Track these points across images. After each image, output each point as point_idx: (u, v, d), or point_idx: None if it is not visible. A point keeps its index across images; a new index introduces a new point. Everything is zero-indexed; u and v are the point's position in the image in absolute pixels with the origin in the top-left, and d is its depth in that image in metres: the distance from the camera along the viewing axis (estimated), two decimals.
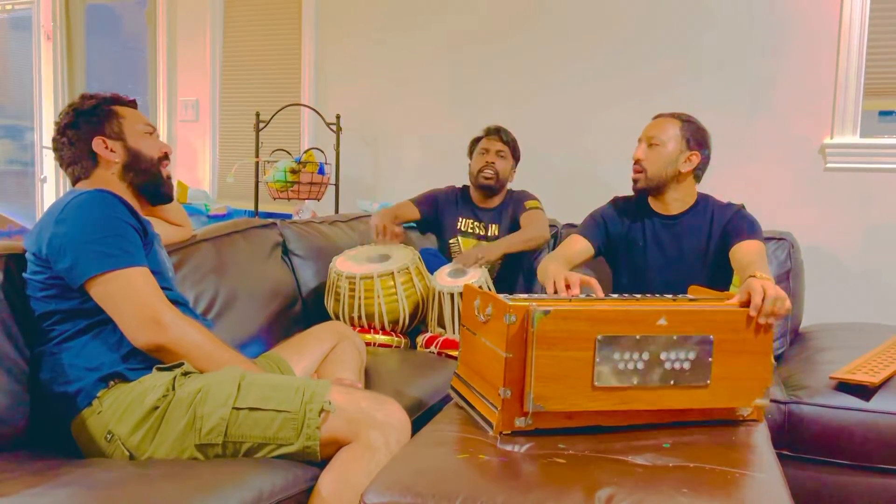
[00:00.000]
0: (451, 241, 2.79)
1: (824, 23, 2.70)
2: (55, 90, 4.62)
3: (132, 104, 1.77)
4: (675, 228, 2.15)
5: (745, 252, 1.96)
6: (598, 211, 2.27)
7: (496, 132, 2.77)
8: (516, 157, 2.81)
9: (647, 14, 2.98)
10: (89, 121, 1.67)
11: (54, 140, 1.70)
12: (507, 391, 1.38)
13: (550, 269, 1.84)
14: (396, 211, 2.76)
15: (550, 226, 2.80)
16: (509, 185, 2.82)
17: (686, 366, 1.42)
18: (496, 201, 2.78)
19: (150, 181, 1.73)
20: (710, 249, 2.11)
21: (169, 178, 1.78)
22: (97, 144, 1.67)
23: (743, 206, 2.13)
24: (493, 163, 2.71)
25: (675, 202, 2.16)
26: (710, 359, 1.43)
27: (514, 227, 2.69)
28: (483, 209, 2.78)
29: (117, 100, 1.74)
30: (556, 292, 1.72)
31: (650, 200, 2.20)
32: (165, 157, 1.76)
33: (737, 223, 2.06)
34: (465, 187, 2.85)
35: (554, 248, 2.78)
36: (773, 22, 2.78)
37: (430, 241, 2.90)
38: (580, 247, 2.17)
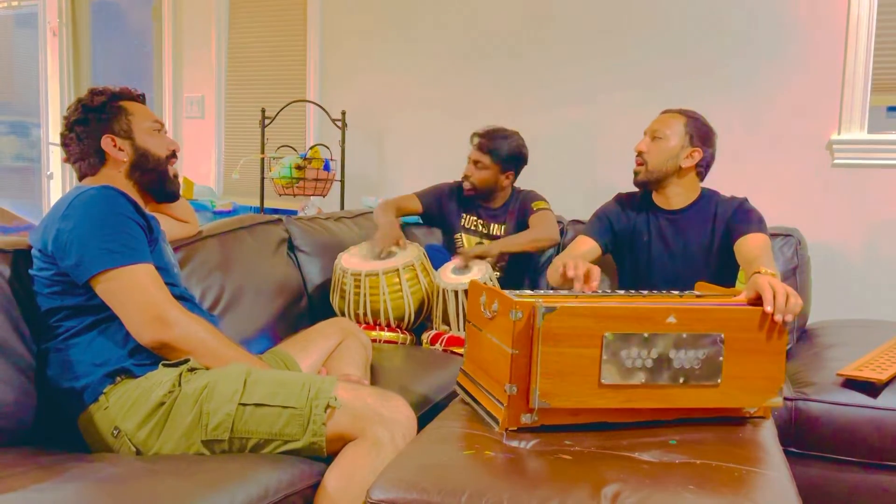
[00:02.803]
0: (455, 237, 2.78)
1: (832, 18, 2.69)
2: (61, 87, 4.63)
3: (141, 98, 1.77)
4: (679, 223, 2.15)
5: (750, 246, 1.95)
6: (602, 209, 2.27)
7: (477, 137, 2.67)
8: (504, 161, 2.65)
9: (653, 11, 2.97)
10: (98, 118, 1.67)
11: (62, 135, 1.70)
12: (512, 388, 1.38)
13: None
14: (399, 203, 2.76)
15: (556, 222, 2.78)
16: (516, 184, 2.79)
17: (696, 364, 1.41)
18: (500, 200, 2.75)
19: (157, 180, 1.73)
20: (714, 243, 2.11)
21: (175, 175, 1.77)
22: (106, 143, 1.67)
23: (746, 199, 2.13)
24: (468, 175, 2.68)
25: (676, 197, 2.16)
26: (721, 358, 1.42)
27: (521, 227, 2.66)
28: (486, 207, 2.76)
29: (126, 94, 1.74)
30: (567, 280, 1.71)
31: (653, 195, 2.20)
32: (173, 154, 1.75)
33: (740, 216, 2.07)
34: None
35: (559, 245, 2.79)
36: (781, 17, 2.76)
37: (436, 237, 2.90)
38: (588, 247, 2.17)
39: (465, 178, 2.69)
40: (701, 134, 2.12)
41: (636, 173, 2.16)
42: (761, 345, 1.44)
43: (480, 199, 2.75)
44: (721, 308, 1.45)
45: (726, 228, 2.08)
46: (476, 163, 2.66)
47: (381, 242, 2.48)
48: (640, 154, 2.14)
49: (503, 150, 2.64)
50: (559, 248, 2.74)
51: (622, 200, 2.27)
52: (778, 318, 1.42)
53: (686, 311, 1.40)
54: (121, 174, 1.69)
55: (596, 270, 1.73)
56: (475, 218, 2.76)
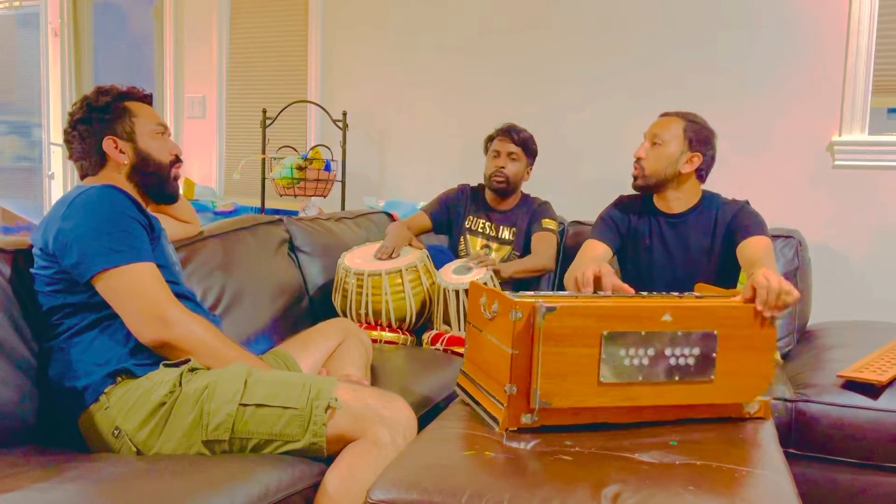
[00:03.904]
0: (460, 239, 2.78)
1: (833, 20, 2.69)
2: (63, 87, 4.63)
3: (148, 99, 1.76)
4: (680, 227, 2.15)
5: (752, 249, 1.96)
6: (606, 212, 2.26)
7: (507, 132, 2.71)
8: (531, 154, 2.75)
9: (656, 13, 2.97)
10: (101, 118, 1.67)
11: (66, 132, 1.70)
12: (513, 388, 1.38)
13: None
14: (410, 223, 2.73)
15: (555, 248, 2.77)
16: (524, 187, 2.78)
17: (691, 361, 1.42)
18: (510, 203, 2.74)
19: (157, 183, 1.72)
20: (716, 247, 2.10)
21: (175, 179, 1.77)
22: (107, 144, 1.66)
23: (747, 202, 2.13)
24: (503, 167, 2.67)
25: (677, 201, 2.15)
26: (714, 354, 1.43)
27: (527, 236, 2.67)
28: (496, 210, 2.75)
29: (133, 95, 1.73)
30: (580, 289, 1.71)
31: (654, 199, 2.19)
32: (176, 159, 1.75)
33: (742, 219, 2.06)
34: (480, 185, 2.83)
35: (560, 245, 2.77)
36: (782, 19, 2.77)
37: (438, 238, 2.90)
38: (600, 251, 2.15)
39: (499, 170, 2.67)
40: (700, 137, 2.11)
41: (634, 178, 2.14)
42: (753, 341, 1.46)
43: (493, 199, 2.75)
44: (714, 305, 1.46)
45: (727, 232, 2.08)
46: (510, 154, 2.68)
47: (389, 242, 2.50)
48: (638, 160, 2.13)
49: (530, 143, 2.73)
50: (554, 275, 2.74)
51: (624, 203, 2.26)
52: (767, 314, 1.45)
53: (681, 309, 1.42)
54: (121, 176, 1.68)
55: (607, 269, 1.70)
56: (483, 221, 2.75)
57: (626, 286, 1.68)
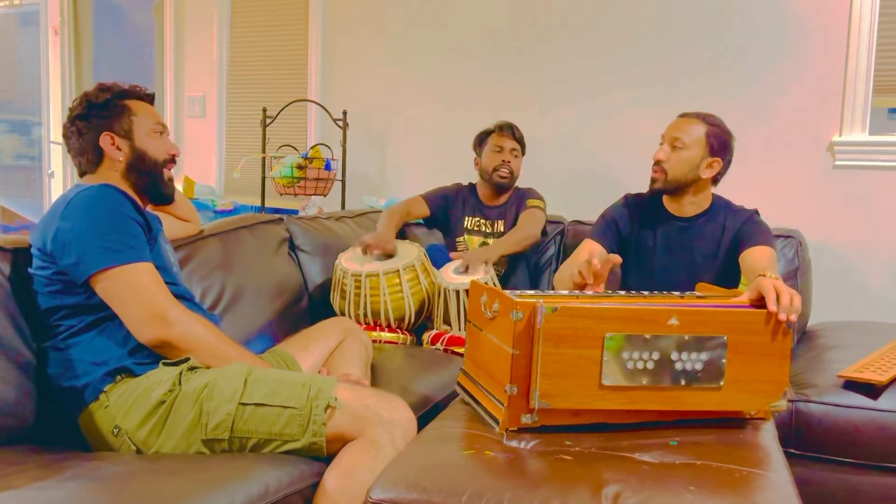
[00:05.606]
0: (458, 240, 2.78)
1: (834, 20, 2.69)
2: (63, 85, 4.63)
3: (149, 98, 1.75)
4: (687, 232, 2.11)
5: (755, 257, 1.92)
6: (609, 211, 2.22)
7: (508, 129, 2.74)
8: (524, 152, 2.80)
9: (656, 13, 2.97)
10: (100, 115, 1.66)
11: (65, 127, 1.69)
12: (513, 388, 1.38)
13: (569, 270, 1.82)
14: (407, 208, 2.75)
15: (557, 222, 2.81)
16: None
17: (698, 367, 1.40)
18: (503, 198, 2.77)
19: (151, 183, 1.71)
20: (720, 254, 2.07)
21: (170, 180, 1.76)
22: (104, 141, 1.66)
23: (757, 212, 2.10)
24: (508, 162, 2.70)
25: (690, 205, 2.11)
26: (723, 360, 1.41)
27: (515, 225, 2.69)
28: (489, 206, 2.77)
29: (133, 93, 1.72)
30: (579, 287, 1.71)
31: (664, 200, 2.15)
32: (172, 159, 1.74)
33: (748, 229, 2.03)
34: (472, 185, 2.84)
35: (560, 245, 2.78)
36: (783, 19, 2.76)
37: (437, 237, 2.90)
38: (595, 252, 2.13)
39: (505, 163, 2.70)
40: (721, 142, 2.06)
41: (653, 181, 2.08)
42: (765, 348, 1.43)
43: (487, 196, 2.78)
44: (724, 310, 1.43)
45: (733, 240, 2.05)
46: (513, 150, 2.73)
47: (371, 242, 2.47)
48: (658, 163, 2.06)
49: (524, 141, 2.79)
50: (557, 244, 2.77)
51: (630, 203, 2.21)
52: (782, 317, 1.41)
53: (688, 314, 1.40)
54: (117, 174, 1.68)
55: (604, 271, 1.70)
56: (479, 218, 2.76)
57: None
